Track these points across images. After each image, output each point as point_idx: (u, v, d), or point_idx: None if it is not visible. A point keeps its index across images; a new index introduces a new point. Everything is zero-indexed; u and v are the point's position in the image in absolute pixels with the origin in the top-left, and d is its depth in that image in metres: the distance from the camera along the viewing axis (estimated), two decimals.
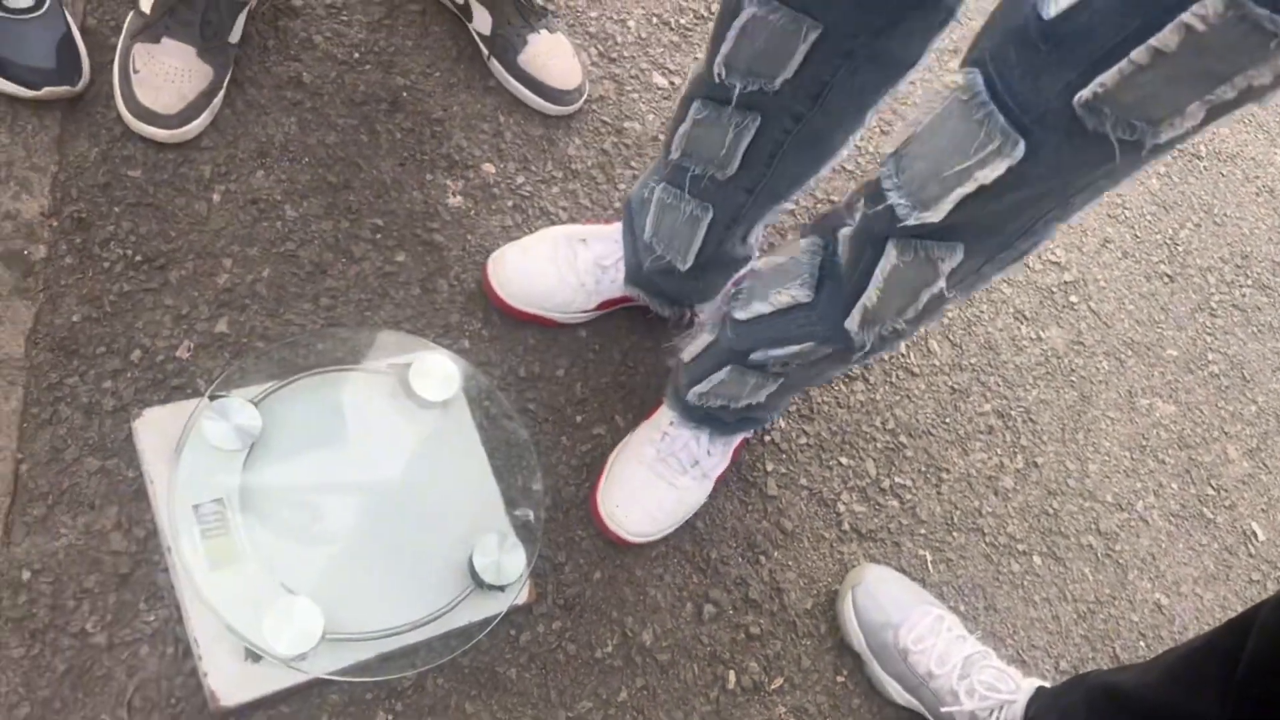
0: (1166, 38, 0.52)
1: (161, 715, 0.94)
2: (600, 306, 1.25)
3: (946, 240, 0.74)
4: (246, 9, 1.21)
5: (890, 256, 0.77)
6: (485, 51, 1.37)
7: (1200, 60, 0.53)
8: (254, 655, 0.95)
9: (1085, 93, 0.57)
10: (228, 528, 0.98)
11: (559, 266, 1.21)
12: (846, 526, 1.29)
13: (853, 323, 0.85)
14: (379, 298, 1.20)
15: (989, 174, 0.65)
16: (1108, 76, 0.55)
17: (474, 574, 1.04)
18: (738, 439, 1.23)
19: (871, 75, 0.85)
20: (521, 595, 1.09)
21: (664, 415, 1.19)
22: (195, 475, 0.99)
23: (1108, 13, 0.54)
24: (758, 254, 1.15)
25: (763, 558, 1.24)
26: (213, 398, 1.03)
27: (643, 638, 1.14)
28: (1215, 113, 0.57)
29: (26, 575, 0.95)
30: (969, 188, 0.66)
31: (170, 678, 0.96)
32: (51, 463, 1.00)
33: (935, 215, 0.70)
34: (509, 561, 1.05)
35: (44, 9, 1.13)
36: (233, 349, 1.11)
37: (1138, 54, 0.53)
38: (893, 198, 0.73)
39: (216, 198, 1.18)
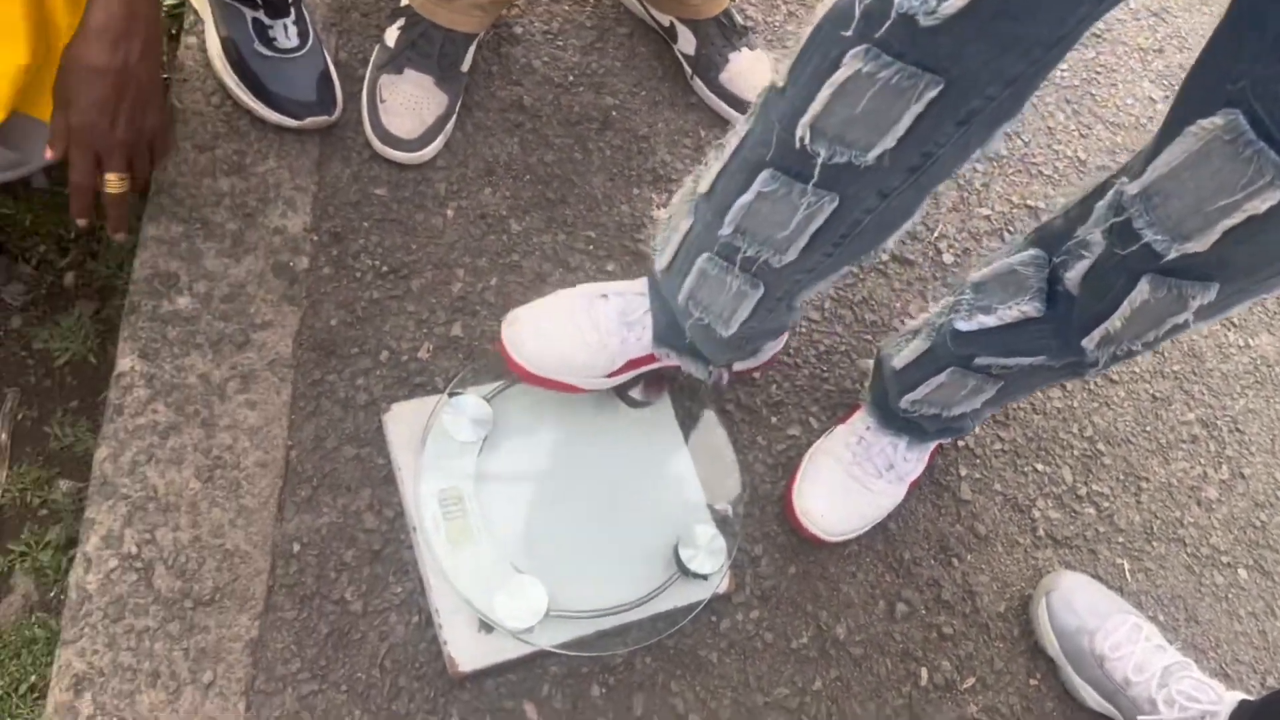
0: None
1: (407, 676, 1.06)
2: (626, 367, 1.14)
3: (1203, 280, 0.73)
4: (477, 39, 1.33)
5: (1143, 291, 0.76)
6: (689, 70, 1.45)
7: None
8: (486, 627, 1.06)
9: None
10: (465, 512, 1.10)
11: (577, 325, 1.10)
12: (1041, 533, 1.30)
13: (1090, 342, 0.84)
14: None
15: (1260, 205, 0.63)
16: None
17: (679, 563, 1.12)
18: (933, 445, 1.25)
19: (980, 133, 0.73)
20: (722, 585, 1.16)
21: (861, 420, 1.23)
22: (437, 464, 1.11)
23: None
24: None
25: (955, 560, 1.26)
26: (451, 395, 1.15)
27: (836, 631, 1.19)
28: None
29: (296, 548, 1.09)
30: (1237, 219, 0.65)
31: (414, 644, 1.08)
32: (315, 450, 1.14)
33: (1201, 245, 0.68)
34: (711, 552, 1.13)
35: (307, 48, 1.27)
36: (466, 350, 1.23)
37: None
38: (1148, 235, 0.71)
39: (450, 213, 1.30)
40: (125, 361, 1.13)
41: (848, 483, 1.20)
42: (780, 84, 0.77)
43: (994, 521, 1.30)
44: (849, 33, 0.67)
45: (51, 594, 1.12)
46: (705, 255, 0.93)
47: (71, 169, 0.96)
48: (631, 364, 1.13)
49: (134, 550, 1.05)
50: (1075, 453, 1.36)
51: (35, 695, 1.06)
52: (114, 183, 0.99)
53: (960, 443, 1.33)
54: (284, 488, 1.12)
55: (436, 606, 1.07)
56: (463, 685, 1.07)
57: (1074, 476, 1.35)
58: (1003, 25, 0.63)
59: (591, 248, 1.33)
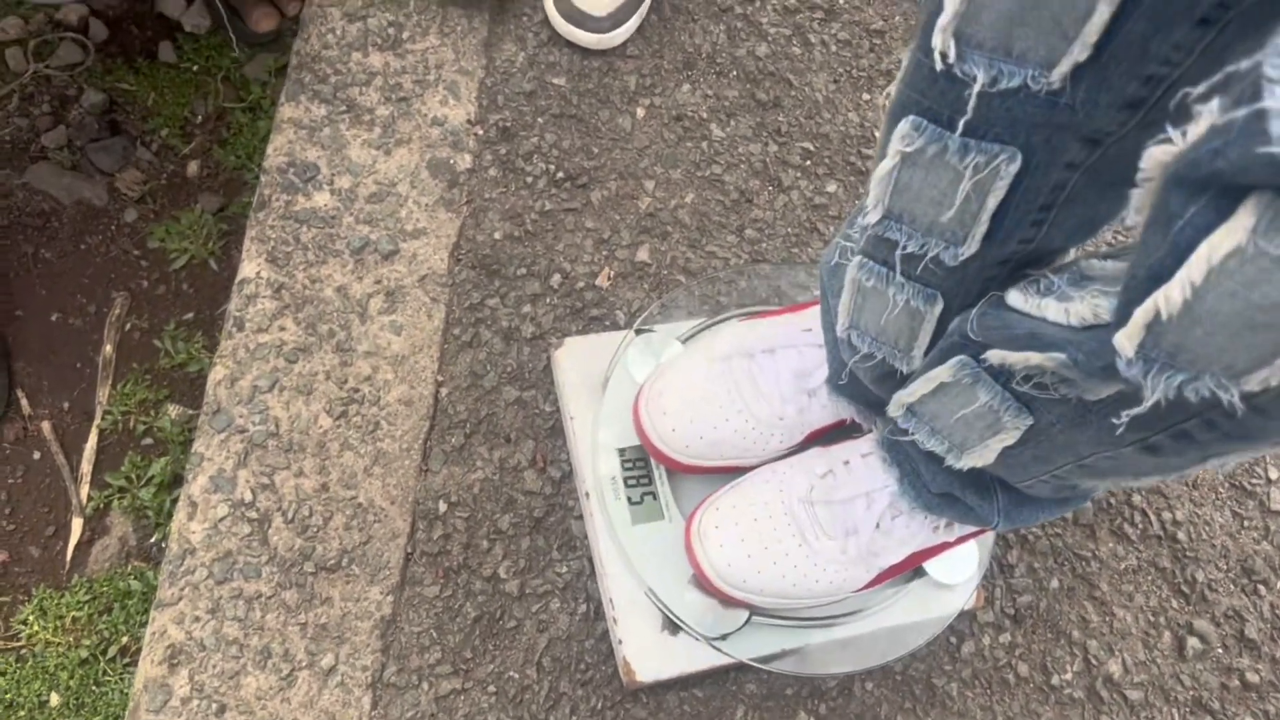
0: None
1: (570, 680, 0.84)
2: (808, 438, 0.86)
3: None
4: None
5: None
6: None
7: None
8: (672, 626, 0.83)
9: None
10: (653, 480, 0.86)
11: (736, 400, 0.83)
12: None
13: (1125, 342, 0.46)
14: (807, 232, 1.04)
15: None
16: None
17: (919, 566, 0.87)
18: (932, 533, 0.81)
19: None
20: (969, 598, 0.90)
21: (859, 444, 0.82)
22: (619, 416, 0.88)
23: None
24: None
25: (1263, 588, 0.98)
26: (639, 331, 0.91)
27: (1109, 667, 0.93)
28: None
29: (443, 507, 0.88)
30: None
31: (580, 639, 0.86)
32: (471, 389, 0.92)
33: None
34: (959, 557, 0.87)
35: None
36: (653, 280, 0.99)
37: None
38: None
39: (641, 112, 1.06)
40: (250, 267, 0.92)
41: (779, 523, 0.81)
42: None
43: None
44: None
45: (151, 540, 0.93)
46: (857, 261, 0.66)
47: None
48: (816, 434, 0.86)
49: (248, 497, 0.85)
50: None
51: (126, 661, 0.87)
52: None
53: None
54: (431, 432, 0.90)
55: (611, 596, 0.85)
56: (638, 698, 0.84)
57: None
58: None
59: (809, 163, 1.07)
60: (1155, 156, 0.39)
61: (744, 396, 0.83)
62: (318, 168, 0.97)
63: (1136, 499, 1.00)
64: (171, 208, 1.06)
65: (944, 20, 0.47)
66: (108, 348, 1.00)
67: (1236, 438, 0.48)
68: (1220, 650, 0.95)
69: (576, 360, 0.93)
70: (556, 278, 0.98)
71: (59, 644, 0.88)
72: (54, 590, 0.91)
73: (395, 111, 1.00)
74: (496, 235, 0.98)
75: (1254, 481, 1.02)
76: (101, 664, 0.88)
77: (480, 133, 1.02)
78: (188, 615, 0.81)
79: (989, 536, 0.90)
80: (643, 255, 1.00)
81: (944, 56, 0.48)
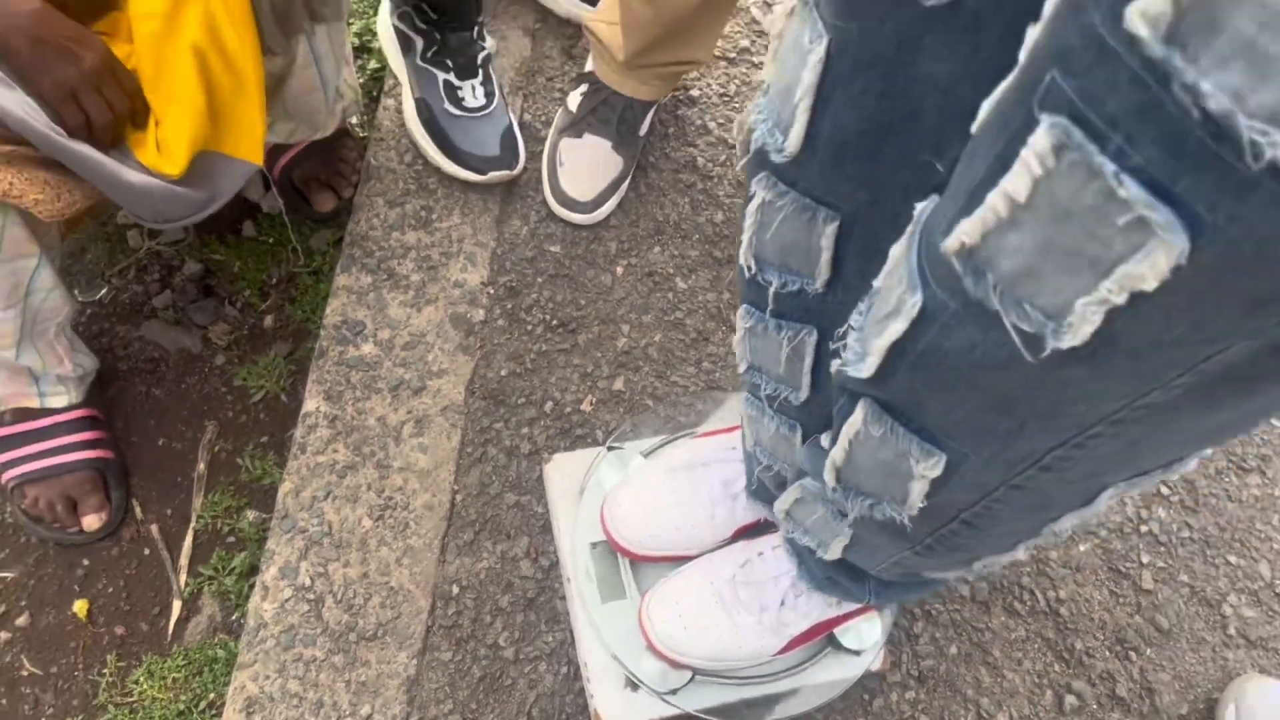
0: (1015, 181, 0.41)
1: None
2: (736, 533, 1.08)
3: (925, 439, 0.61)
4: (655, 105, 1.36)
5: (857, 420, 0.64)
6: None
7: (1065, 229, 0.41)
8: (633, 684, 1.06)
9: (950, 240, 0.46)
10: (617, 567, 1.11)
11: (681, 501, 1.07)
12: (1233, 630, 1.20)
13: (830, 477, 0.71)
14: None
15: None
16: (969, 224, 0.44)
17: (832, 636, 1.09)
18: (827, 608, 1.03)
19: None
20: (876, 662, 1.12)
21: (771, 538, 1.04)
22: (593, 516, 1.13)
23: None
24: None
25: (1133, 654, 1.18)
26: (610, 448, 1.16)
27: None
28: (1129, 338, 0.44)
29: (456, 590, 1.13)
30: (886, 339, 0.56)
31: (562, 694, 1.09)
32: (479, 495, 1.18)
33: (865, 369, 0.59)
34: (867, 628, 1.09)
35: (493, 107, 1.34)
36: (627, 405, 1.25)
37: (994, 198, 0.42)
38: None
39: (619, 270, 1.33)
40: (312, 402, 1.20)
41: (711, 603, 1.03)
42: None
43: (1178, 615, 1.20)
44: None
45: (233, 617, 1.19)
46: (744, 396, 0.89)
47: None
48: (742, 529, 1.08)
49: (307, 583, 1.10)
50: (1276, 546, 1.25)
51: (213, 713, 1.13)
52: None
53: (1144, 527, 1.25)
54: (448, 530, 1.16)
55: (585, 660, 1.08)
56: None
57: (1273, 572, 1.24)
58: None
59: None
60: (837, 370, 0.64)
61: (685, 502, 1.08)
62: (364, 324, 1.25)
63: (1025, 580, 1.21)
64: (252, 353, 1.34)
65: (743, 247, 0.73)
66: (201, 466, 1.28)
67: (959, 549, 0.71)
68: (1095, 706, 1.15)
69: (563, 472, 1.18)
70: (549, 405, 1.24)
71: (162, 699, 1.14)
72: (159, 657, 1.17)
73: (425, 277, 1.29)
74: (503, 372, 1.25)
75: (1128, 565, 1.23)
76: (195, 715, 1.13)
77: (491, 291, 1.30)
78: (261, 674, 1.06)
79: (890, 613, 1.12)
80: (619, 385, 1.26)
81: (748, 268, 0.74)
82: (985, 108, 0.44)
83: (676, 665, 1.05)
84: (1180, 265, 0.37)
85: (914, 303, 0.52)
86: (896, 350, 0.56)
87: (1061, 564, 1.22)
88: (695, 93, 1.47)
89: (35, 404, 1.20)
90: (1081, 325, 0.42)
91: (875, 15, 0.54)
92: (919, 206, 0.53)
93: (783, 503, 0.91)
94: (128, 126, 0.98)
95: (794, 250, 0.70)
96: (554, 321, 1.29)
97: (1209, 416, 0.50)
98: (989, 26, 0.47)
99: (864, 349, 0.59)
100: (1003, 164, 0.41)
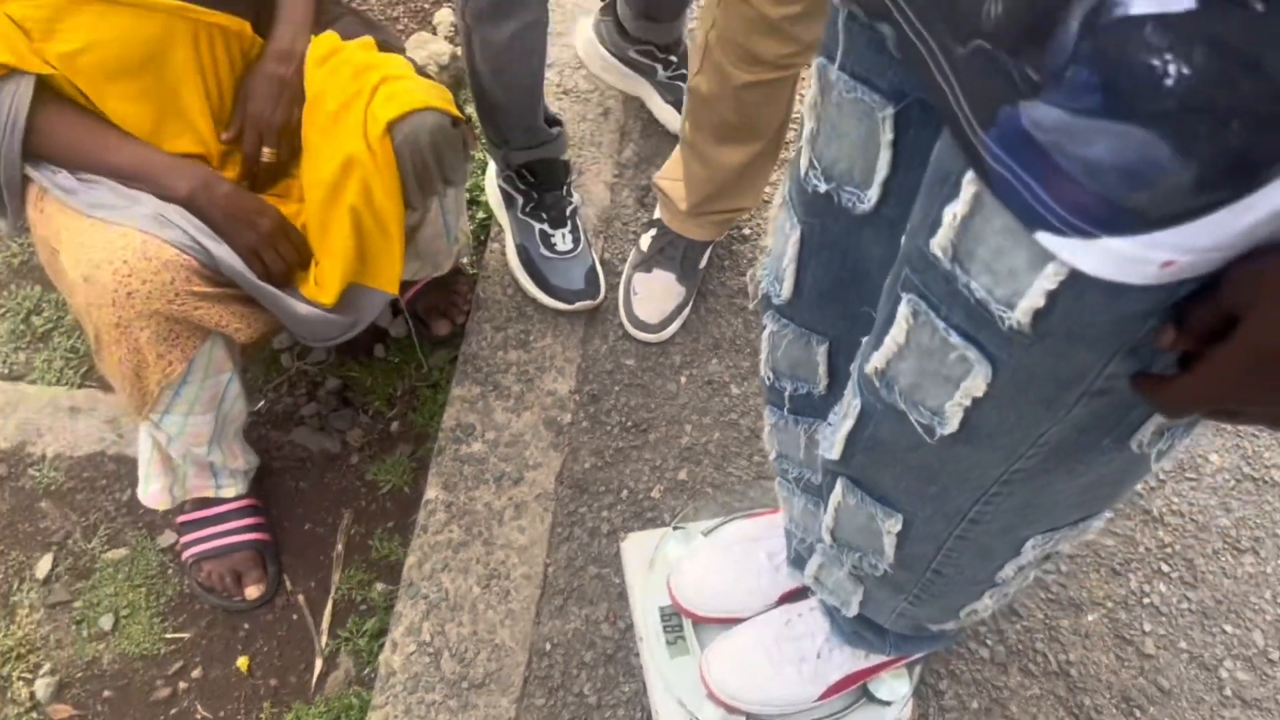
0: (896, 331, 0.67)
1: None
2: (781, 598, 1.29)
3: (882, 502, 0.83)
4: (713, 242, 1.64)
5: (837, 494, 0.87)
6: None
7: (928, 361, 0.66)
8: None
9: (869, 365, 0.72)
10: (682, 627, 1.33)
11: (734, 571, 1.29)
12: (1229, 692, 1.35)
13: (826, 533, 0.95)
14: None
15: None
16: (878, 355, 0.70)
17: (865, 687, 1.28)
18: (856, 660, 1.22)
19: None
20: (905, 713, 1.31)
21: (810, 601, 1.25)
22: (661, 585, 1.36)
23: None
24: None
25: (1138, 711, 1.34)
26: (675, 528, 1.40)
27: None
28: (983, 426, 0.67)
29: (548, 647, 1.36)
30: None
31: None
32: (567, 568, 1.42)
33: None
34: (896, 683, 1.29)
35: (579, 250, 1.63)
36: (690, 492, 1.48)
37: (888, 340, 0.68)
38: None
39: (683, 380, 1.59)
40: (431, 491, 1.47)
41: (760, 658, 1.24)
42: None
43: (1178, 678, 1.36)
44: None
45: (365, 671, 1.44)
46: (777, 480, 1.12)
47: (246, 142, 1.28)
48: (786, 595, 1.29)
49: (428, 639, 1.35)
50: (1268, 618, 1.41)
51: None
52: (269, 154, 1.29)
53: (1145, 599, 1.42)
54: (542, 597, 1.39)
55: (656, 707, 1.29)
56: None
57: (1266, 640, 1.39)
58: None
59: None
60: None
61: (738, 572, 1.30)
62: (474, 426, 1.52)
63: (1039, 644, 1.39)
64: (381, 453, 1.62)
65: (762, 363, 0.98)
66: (339, 547, 1.55)
67: (940, 596, 0.93)
68: None
69: (636, 549, 1.41)
70: (625, 492, 1.48)
71: None
72: (305, 704, 1.42)
73: (524, 387, 1.56)
74: (586, 465, 1.50)
75: (1132, 632, 1.40)
76: None
77: (577, 398, 1.56)
78: (390, 715, 1.30)
79: (917, 670, 1.31)
80: (683, 475, 1.50)
81: (768, 378, 0.99)
82: (886, 284, 0.70)
83: (732, 710, 1.25)
84: (991, 382, 0.62)
85: (856, 405, 0.77)
86: (851, 439, 0.81)
87: (1072, 631, 1.39)
88: (746, 231, 1.74)
89: (212, 493, 1.49)
90: (952, 418, 0.68)
91: (828, 216, 0.81)
92: (864, 340, 0.78)
93: (810, 568, 1.13)
94: (297, 269, 1.29)
95: (799, 364, 0.95)
96: (629, 423, 1.54)
97: (1071, 480, 0.73)
98: (900, 226, 0.72)
99: (832, 439, 0.84)
100: (890, 320, 0.67)
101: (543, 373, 1.58)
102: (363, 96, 1.22)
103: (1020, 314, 0.56)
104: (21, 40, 1.11)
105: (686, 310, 1.63)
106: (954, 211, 0.58)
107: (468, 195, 1.82)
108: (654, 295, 1.60)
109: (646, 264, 1.62)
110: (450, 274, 1.63)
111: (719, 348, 1.62)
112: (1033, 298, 0.55)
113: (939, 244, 0.60)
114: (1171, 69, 0.43)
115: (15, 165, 1.16)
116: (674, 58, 1.77)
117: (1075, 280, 0.53)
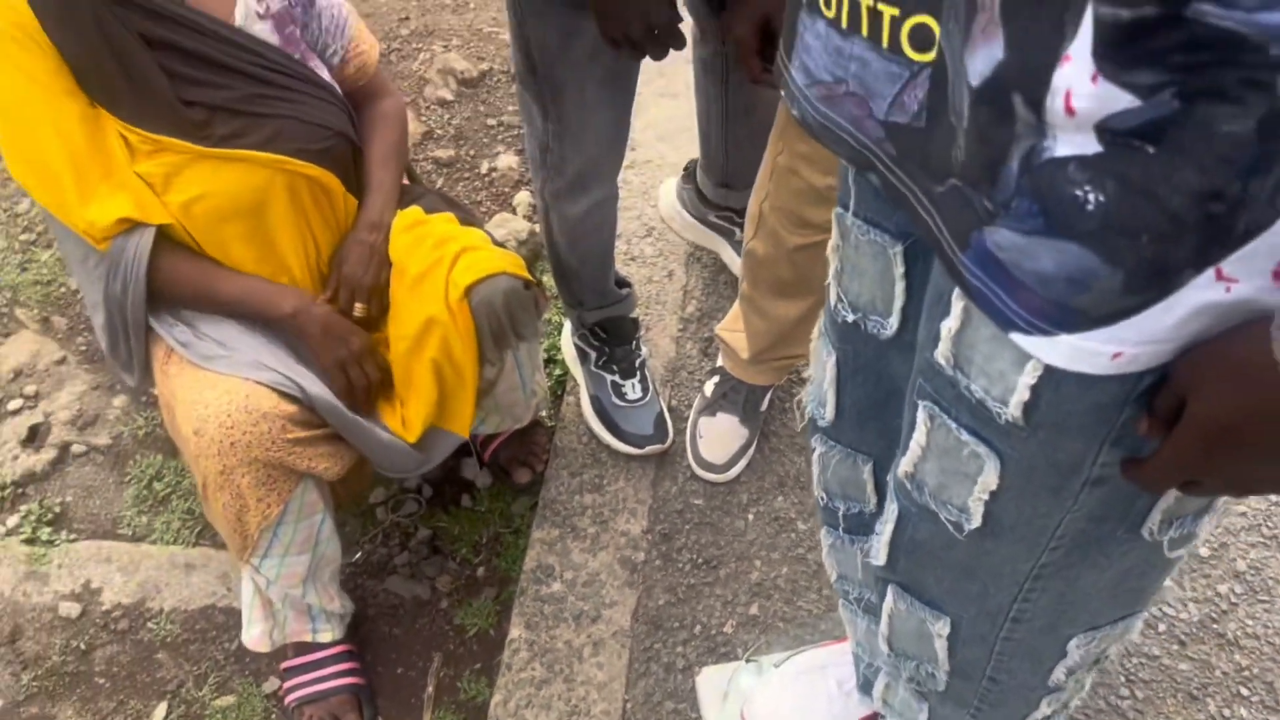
0: (918, 435, 0.75)
1: None
2: None
3: (931, 605, 0.89)
4: (773, 386, 1.74)
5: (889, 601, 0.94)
6: None
7: (947, 460, 0.74)
8: None
9: (899, 470, 0.80)
10: None
11: (805, 701, 1.34)
12: None
13: (885, 646, 0.99)
14: None
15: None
16: (905, 460, 0.79)
17: None
18: None
19: None
20: None
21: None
22: (736, 717, 1.40)
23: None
24: None
25: None
26: (748, 661, 1.45)
27: None
28: (1004, 519, 0.75)
29: None
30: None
31: None
32: (645, 703, 1.47)
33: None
34: None
35: (648, 398, 1.75)
36: (761, 626, 1.54)
37: (912, 445, 0.77)
38: None
39: (751, 517, 1.66)
40: (515, 631, 1.55)
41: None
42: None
43: None
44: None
45: None
46: (840, 603, 1.20)
47: (340, 299, 1.43)
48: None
49: None
50: None
51: None
52: (360, 310, 1.44)
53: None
54: None
55: None
56: None
57: None
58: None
59: None
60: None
61: (809, 701, 1.35)
62: (554, 567, 1.61)
63: None
64: (468, 597, 1.72)
65: (815, 484, 1.08)
66: (430, 688, 1.63)
67: (999, 704, 0.98)
68: None
69: (711, 683, 1.46)
70: (698, 628, 1.54)
71: None
72: None
73: (599, 529, 1.65)
74: (660, 602, 1.57)
75: None
76: None
77: (650, 538, 1.65)
78: None
79: None
80: (754, 610, 1.56)
81: (821, 499, 1.08)
82: (907, 395, 0.80)
83: None
84: (1002, 474, 0.71)
85: (894, 510, 0.86)
86: (894, 543, 0.88)
87: None
88: (806, 374, 1.84)
89: (310, 638, 1.59)
90: (975, 513, 0.76)
91: (859, 343, 0.92)
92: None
93: (877, 690, 1.17)
94: (380, 401, 1.43)
95: (848, 484, 1.04)
96: (700, 560, 1.62)
97: (1097, 573, 0.79)
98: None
99: (878, 545, 0.91)
100: (912, 425, 0.77)
101: (616, 514, 1.67)
102: (444, 264, 1.38)
103: (1013, 408, 0.65)
104: (148, 194, 1.31)
105: (750, 450, 1.72)
106: (949, 325, 0.68)
107: (546, 355, 1.97)
108: (719, 437, 1.70)
109: (711, 408, 1.73)
110: (529, 426, 1.76)
111: (784, 485, 1.70)
112: (1020, 393, 0.64)
113: (941, 354, 0.70)
114: (1091, 197, 0.54)
115: (140, 307, 1.35)
116: None
117: (1050, 374, 0.63)
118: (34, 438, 2.03)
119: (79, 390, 2.10)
